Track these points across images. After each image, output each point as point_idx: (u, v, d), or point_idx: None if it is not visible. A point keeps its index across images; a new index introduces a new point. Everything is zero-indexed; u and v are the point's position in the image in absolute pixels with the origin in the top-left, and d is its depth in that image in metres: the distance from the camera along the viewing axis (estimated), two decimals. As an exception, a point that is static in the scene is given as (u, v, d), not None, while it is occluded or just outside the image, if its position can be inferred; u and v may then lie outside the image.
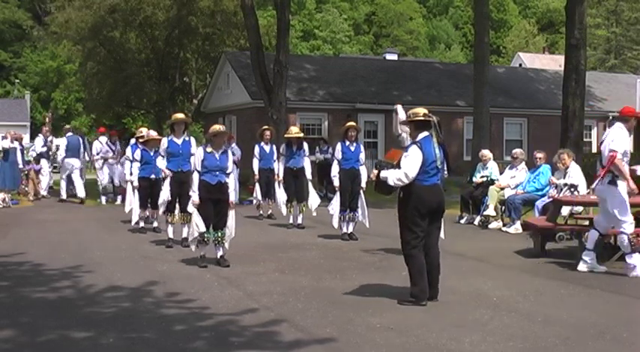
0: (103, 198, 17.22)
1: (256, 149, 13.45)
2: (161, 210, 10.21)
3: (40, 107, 53.67)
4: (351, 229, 10.88)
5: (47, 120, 22.76)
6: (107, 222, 13.21)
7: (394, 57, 34.83)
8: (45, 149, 18.82)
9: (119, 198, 17.14)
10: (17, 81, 54.51)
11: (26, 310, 6.25)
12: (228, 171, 8.49)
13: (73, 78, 45.99)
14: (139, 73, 31.39)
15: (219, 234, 8.39)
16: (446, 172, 6.81)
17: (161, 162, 10.10)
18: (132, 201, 11.87)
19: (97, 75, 32.43)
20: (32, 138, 19.46)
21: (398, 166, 6.40)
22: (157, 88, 31.28)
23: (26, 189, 18.00)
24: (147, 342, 5.28)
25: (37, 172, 18.26)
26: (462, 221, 13.00)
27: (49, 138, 19.19)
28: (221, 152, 8.48)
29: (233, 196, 8.57)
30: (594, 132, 30.27)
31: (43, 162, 18.49)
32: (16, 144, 16.90)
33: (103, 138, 17.81)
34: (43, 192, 18.48)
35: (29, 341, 5.29)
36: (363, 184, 10.74)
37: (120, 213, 13.40)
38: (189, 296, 6.76)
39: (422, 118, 6.48)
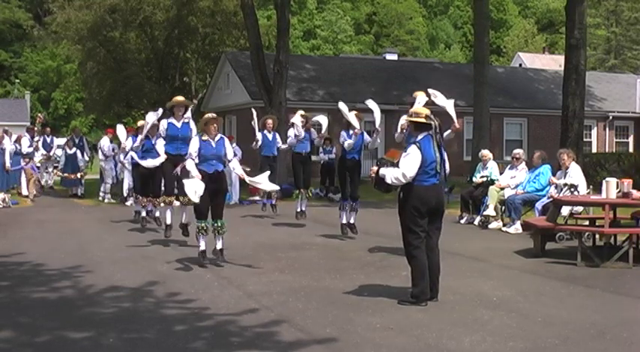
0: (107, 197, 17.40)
1: (259, 135, 13.48)
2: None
3: (40, 107, 53.63)
4: (352, 220, 10.84)
5: (37, 121, 22.78)
6: (107, 222, 13.20)
7: (394, 57, 34.80)
8: (31, 149, 18.88)
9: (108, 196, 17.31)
10: (17, 81, 54.45)
11: (26, 310, 6.24)
12: (229, 158, 8.43)
13: (73, 78, 45.99)
14: (138, 73, 31.38)
15: (219, 224, 8.35)
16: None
17: (161, 145, 10.04)
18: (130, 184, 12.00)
19: (97, 75, 32.42)
20: (32, 137, 19.56)
21: (398, 165, 6.40)
22: (156, 88, 31.24)
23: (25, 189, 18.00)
24: (147, 342, 5.28)
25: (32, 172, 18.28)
26: (462, 221, 13.00)
27: (36, 139, 19.32)
28: (217, 139, 8.38)
29: (238, 168, 8.54)
30: (594, 132, 30.27)
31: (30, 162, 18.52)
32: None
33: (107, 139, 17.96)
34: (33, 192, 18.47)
35: (29, 342, 5.29)
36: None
37: (120, 213, 13.41)
38: (189, 296, 6.76)
39: (423, 121, 6.47)
